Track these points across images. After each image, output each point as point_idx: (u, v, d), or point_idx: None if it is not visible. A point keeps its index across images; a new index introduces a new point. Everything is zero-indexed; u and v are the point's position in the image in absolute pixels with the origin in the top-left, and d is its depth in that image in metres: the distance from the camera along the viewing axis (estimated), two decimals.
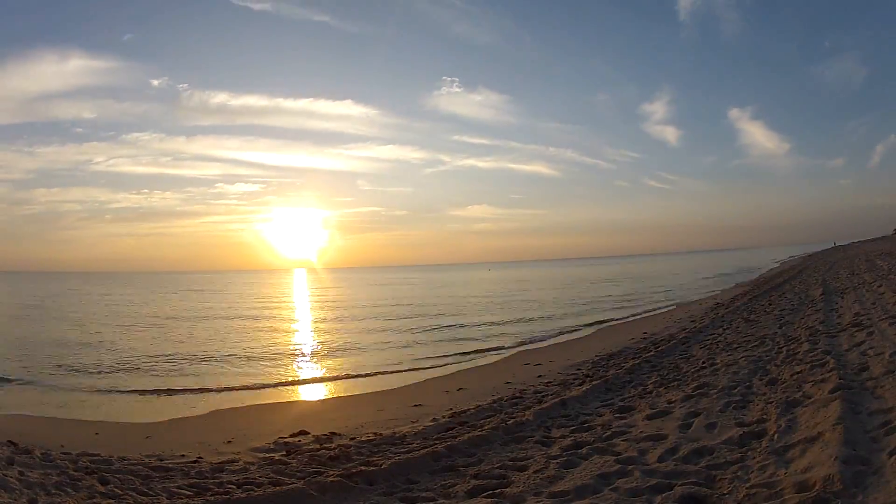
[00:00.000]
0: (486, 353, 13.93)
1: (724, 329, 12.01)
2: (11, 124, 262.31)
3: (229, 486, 4.60)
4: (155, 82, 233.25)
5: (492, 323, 20.64)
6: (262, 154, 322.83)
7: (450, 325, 20.38)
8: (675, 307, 21.54)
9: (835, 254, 51.39)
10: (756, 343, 9.33)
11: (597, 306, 25.13)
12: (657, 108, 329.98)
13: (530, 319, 21.32)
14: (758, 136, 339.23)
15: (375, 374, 11.91)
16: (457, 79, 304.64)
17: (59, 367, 13.09)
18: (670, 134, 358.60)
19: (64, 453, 5.46)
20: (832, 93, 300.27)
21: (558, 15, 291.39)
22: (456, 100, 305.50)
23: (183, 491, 4.49)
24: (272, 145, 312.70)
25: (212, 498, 4.24)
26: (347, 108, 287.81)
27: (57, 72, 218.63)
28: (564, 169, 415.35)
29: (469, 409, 7.17)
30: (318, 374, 12.55)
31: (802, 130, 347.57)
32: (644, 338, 12.80)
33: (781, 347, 8.51)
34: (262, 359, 14.30)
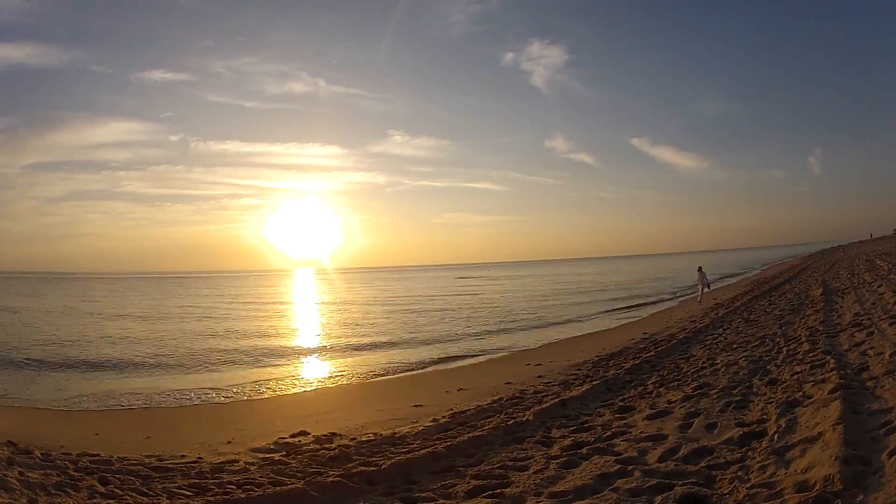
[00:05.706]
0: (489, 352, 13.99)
1: (725, 329, 12.01)
2: (57, 161, 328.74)
3: (229, 486, 4.60)
4: (173, 138, 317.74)
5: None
6: (260, 181, 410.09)
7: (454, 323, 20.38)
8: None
9: (834, 254, 51.40)
10: (756, 343, 9.34)
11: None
12: (558, 144, 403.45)
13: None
14: (670, 157, 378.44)
15: (377, 373, 11.92)
16: (401, 131, 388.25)
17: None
18: (587, 158, 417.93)
19: (64, 453, 5.45)
20: (720, 122, 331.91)
21: (452, 93, 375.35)
22: (404, 145, 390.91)
23: (183, 491, 4.48)
24: (267, 174, 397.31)
25: (212, 498, 4.23)
26: (326, 150, 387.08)
27: (106, 131, 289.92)
28: (511, 185, 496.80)
29: (469, 410, 7.17)
30: (319, 374, 12.54)
31: (715, 150, 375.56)
32: (644, 338, 12.80)
33: (781, 347, 8.51)
34: (263, 358, 14.30)
